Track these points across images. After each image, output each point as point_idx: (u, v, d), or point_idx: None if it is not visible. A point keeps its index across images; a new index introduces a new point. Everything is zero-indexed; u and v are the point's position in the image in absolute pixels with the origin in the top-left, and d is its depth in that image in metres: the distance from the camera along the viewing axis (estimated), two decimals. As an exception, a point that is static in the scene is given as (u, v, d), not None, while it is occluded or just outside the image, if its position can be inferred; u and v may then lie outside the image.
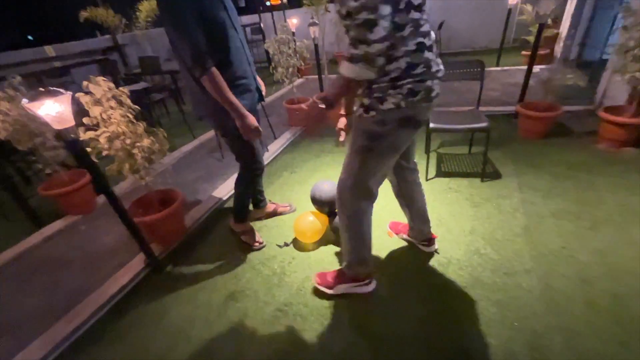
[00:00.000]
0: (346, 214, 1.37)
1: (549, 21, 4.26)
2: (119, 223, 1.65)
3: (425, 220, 1.68)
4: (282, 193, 2.52)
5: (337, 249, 1.87)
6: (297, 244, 1.95)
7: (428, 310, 1.47)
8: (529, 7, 4.35)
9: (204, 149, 3.54)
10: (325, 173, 2.71)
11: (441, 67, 1.13)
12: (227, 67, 1.42)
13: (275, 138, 3.44)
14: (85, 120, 1.57)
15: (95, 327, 1.59)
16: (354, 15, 0.90)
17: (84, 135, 1.56)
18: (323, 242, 1.93)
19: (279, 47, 3.27)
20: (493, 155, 2.60)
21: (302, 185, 2.58)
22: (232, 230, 2.09)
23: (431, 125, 2.27)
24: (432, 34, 1.08)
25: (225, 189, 2.62)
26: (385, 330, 1.40)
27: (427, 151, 2.47)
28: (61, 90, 1.24)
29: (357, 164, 1.25)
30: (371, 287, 1.56)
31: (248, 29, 7.47)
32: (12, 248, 2.20)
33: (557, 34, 4.86)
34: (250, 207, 2.08)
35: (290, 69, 3.35)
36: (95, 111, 1.55)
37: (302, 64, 3.61)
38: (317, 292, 1.61)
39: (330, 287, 1.57)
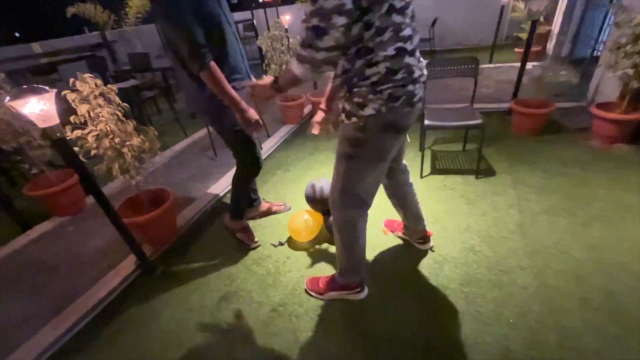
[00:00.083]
0: (338, 221, 1.35)
1: (541, 18, 4.28)
2: (109, 224, 1.61)
3: (419, 219, 1.67)
4: (276, 192, 2.49)
5: (333, 247, 1.85)
6: (291, 243, 1.93)
7: (423, 309, 1.46)
8: (521, 4, 4.36)
9: (196, 147, 3.48)
10: (320, 171, 2.69)
11: (424, 72, 1.10)
12: (222, 62, 1.40)
13: (268, 136, 3.41)
14: (72, 118, 1.52)
15: (85, 332, 1.55)
16: (307, 18, 0.89)
17: (71, 134, 1.51)
18: (318, 240, 1.90)
19: (272, 43, 3.23)
20: (487, 152, 2.61)
21: (296, 184, 2.55)
22: (227, 228, 2.06)
23: (426, 122, 2.26)
24: (415, 38, 1.04)
25: (218, 188, 2.58)
26: (381, 330, 1.39)
27: (422, 148, 2.46)
28: (45, 87, 1.20)
29: (342, 172, 1.23)
30: (362, 294, 1.54)
31: (240, 26, 7.38)
32: (-3, 251, 2.14)
33: (549, 31, 4.90)
34: (245, 207, 2.04)
35: (284, 66, 3.31)
36: (82, 109, 1.50)
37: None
38: (312, 292, 1.59)
39: (321, 293, 1.55)
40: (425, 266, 1.66)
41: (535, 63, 4.59)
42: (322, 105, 1.44)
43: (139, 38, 6.28)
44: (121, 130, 1.63)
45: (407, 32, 0.98)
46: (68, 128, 1.51)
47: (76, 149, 1.46)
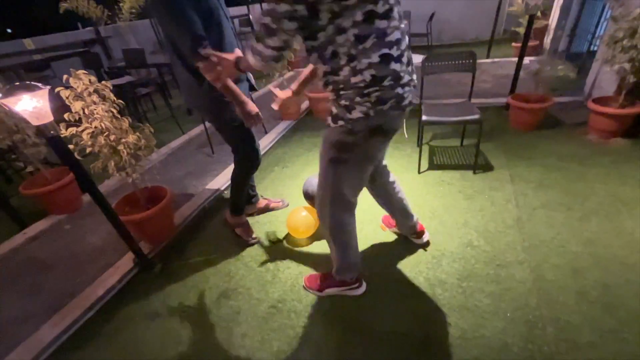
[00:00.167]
0: (329, 227, 1.34)
1: (539, 13, 4.27)
2: (105, 222, 1.60)
3: (407, 215, 1.66)
4: (274, 188, 2.48)
5: (331, 244, 1.85)
6: (290, 239, 1.93)
7: (421, 304, 1.46)
8: (519, -1, 4.34)
9: (193, 144, 3.46)
10: (318, 167, 2.67)
11: (413, 76, 1.07)
12: None
13: (265, 132, 3.39)
14: (66, 115, 1.51)
15: (83, 330, 1.55)
16: (262, 15, 0.91)
17: (66, 132, 1.49)
18: (316, 237, 1.90)
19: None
20: (485, 147, 2.61)
21: (294, 180, 2.54)
22: (226, 223, 2.06)
23: (423, 118, 2.25)
24: (404, 42, 0.99)
25: (216, 185, 2.57)
26: (379, 325, 1.40)
27: (419, 144, 2.46)
28: (38, 84, 1.18)
29: (331, 177, 1.21)
30: (361, 290, 1.54)
31: (236, 21, 7.31)
32: (-6, 250, 2.12)
33: (547, 25, 4.88)
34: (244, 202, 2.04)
35: (280, 62, 3.28)
36: (76, 106, 1.48)
37: (293, 56, 3.54)
38: (311, 288, 1.59)
39: (319, 290, 1.56)
40: (424, 261, 1.67)
41: (532, 58, 4.58)
42: (293, 86, 1.45)
43: (133, 34, 6.20)
44: (116, 128, 1.61)
45: (393, 36, 0.94)
46: (62, 125, 1.49)
47: (71, 146, 1.45)
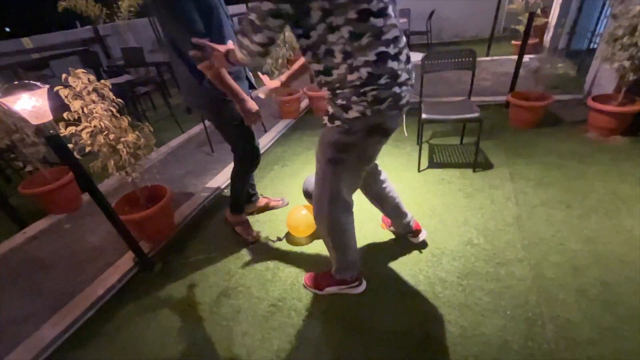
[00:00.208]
0: (327, 227, 1.34)
1: (538, 11, 4.26)
2: (105, 221, 1.60)
3: (400, 214, 1.64)
4: (274, 187, 2.48)
5: (331, 242, 1.85)
6: (290, 238, 1.93)
7: (421, 302, 1.46)
8: (518, -4, 4.33)
9: (192, 143, 3.45)
10: (317, 166, 2.68)
11: (412, 75, 1.05)
12: None
13: (265, 131, 3.39)
14: (65, 115, 1.50)
15: (83, 330, 1.55)
16: (249, 11, 0.92)
17: (65, 131, 1.49)
18: (316, 235, 1.90)
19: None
20: (484, 145, 2.61)
21: (294, 179, 2.54)
22: (227, 222, 2.06)
23: (423, 116, 2.25)
24: (401, 40, 0.99)
25: (215, 184, 2.56)
26: (379, 323, 1.40)
27: (419, 142, 2.45)
28: (37, 83, 1.17)
29: (329, 177, 1.20)
30: (361, 288, 1.54)
31: (235, 19, 7.28)
32: (-7, 249, 2.12)
33: (547, 23, 4.87)
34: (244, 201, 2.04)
35: (280, 60, 3.28)
36: (75, 105, 1.48)
37: (292, 54, 3.54)
38: (311, 287, 1.60)
39: (319, 289, 1.56)
40: (424, 259, 1.67)
41: (532, 55, 4.58)
42: (282, 77, 1.45)
43: (132, 32, 6.18)
44: (116, 127, 1.61)
45: (390, 34, 0.94)
46: (61, 125, 1.48)
47: (70, 145, 1.44)
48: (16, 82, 1.13)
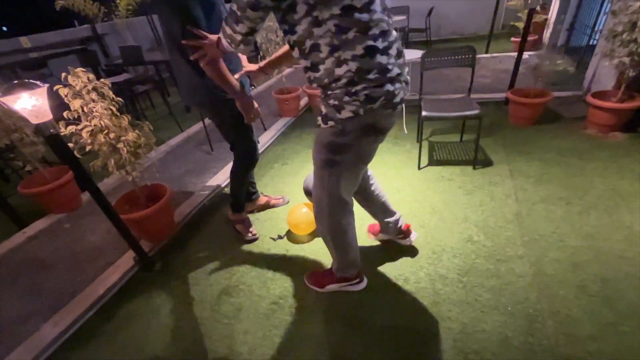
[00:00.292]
0: (328, 228, 1.33)
1: (538, 7, 4.25)
2: (105, 221, 1.60)
3: (388, 211, 1.59)
4: (274, 185, 2.48)
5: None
6: (291, 236, 1.93)
7: (422, 299, 1.47)
8: (518, -7, 4.32)
9: (192, 141, 3.45)
10: (317, 164, 2.67)
11: (404, 70, 1.03)
12: None
13: (265, 129, 3.38)
14: (65, 114, 1.50)
15: (84, 329, 1.55)
16: (232, 1, 0.95)
17: (65, 130, 1.49)
18: (317, 233, 1.90)
19: (267, 35, 3.19)
20: (484, 142, 2.61)
21: (294, 177, 2.54)
22: (228, 221, 2.06)
23: (424, 113, 2.25)
24: (390, 35, 0.97)
25: (215, 182, 2.56)
26: (380, 321, 1.41)
27: (419, 140, 2.45)
28: (37, 82, 1.17)
29: (326, 179, 1.19)
30: (362, 285, 1.55)
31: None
32: (-7, 249, 2.12)
33: (546, 19, 4.87)
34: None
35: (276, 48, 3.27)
36: (75, 104, 1.47)
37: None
38: (312, 285, 1.60)
39: (320, 287, 1.56)
40: (424, 256, 1.68)
41: (531, 52, 4.57)
42: (262, 63, 1.43)
43: (130, 31, 6.16)
44: (116, 126, 1.60)
45: (377, 29, 0.93)
46: (61, 124, 1.48)
47: (70, 145, 1.44)
48: (16, 81, 1.12)
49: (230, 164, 1.83)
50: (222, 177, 2.61)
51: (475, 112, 2.16)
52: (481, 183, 2.18)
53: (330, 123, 1.06)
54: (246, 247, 1.90)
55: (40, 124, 1.21)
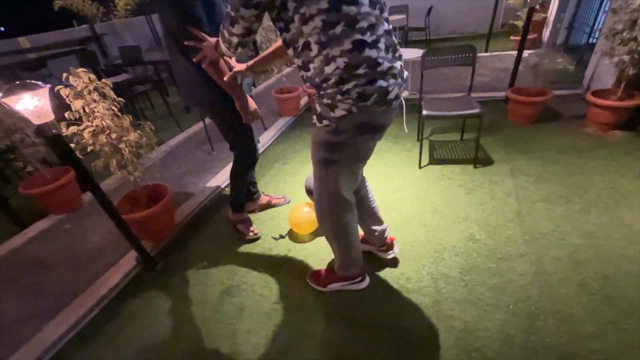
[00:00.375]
0: (330, 227, 1.33)
1: (537, 5, 4.25)
2: (106, 221, 1.60)
3: (377, 220, 1.55)
4: (275, 185, 2.48)
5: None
6: (292, 235, 1.93)
7: (424, 298, 1.47)
8: (517, -9, 4.32)
9: (192, 141, 3.45)
10: (318, 163, 2.67)
11: (396, 64, 1.00)
12: None
13: (265, 129, 3.38)
14: (67, 114, 1.50)
15: (87, 329, 1.55)
16: (229, 5, 0.96)
17: (67, 131, 1.49)
18: (319, 233, 1.91)
19: (267, 34, 3.18)
20: (484, 141, 2.61)
21: (294, 177, 2.54)
22: (229, 221, 2.06)
23: (424, 112, 2.25)
24: (379, 28, 0.95)
25: (216, 183, 2.57)
26: (383, 319, 1.41)
27: (420, 139, 2.46)
28: (39, 83, 1.17)
29: (325, 178, 1.19)
30: (364, 284, 1.55)
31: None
32: (-5, 250, 2.12)
33: (545, 18, 4.87)
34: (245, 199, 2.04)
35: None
36: (77, 105, 1.47)
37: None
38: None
39: (323, 286, 1.56)
40: (426, 255, 1.68)
41: (530, 51, 4.57)
42: (250, 62, 1.41)
43: (129, 31, 6.15)
44: (117, 126, 1.60)
45: (365, 22, 0.91)
46: (63, 124, 1.48)
47: (72, 145, 1.44)
48: (18, 82, 1.12)
49: (231, 164, 1.83)
50: (222, 177, 2.61)
51: (476, 111, 2.16)
52: (482, 182, 2.18)
53: (325, 122, 1.05)
54: (248, 247, 1.90)
55: (42, 124, 1.21)
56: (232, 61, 1.44)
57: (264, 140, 3.14)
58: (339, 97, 0.97)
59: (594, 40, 3.46)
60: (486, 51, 5.13)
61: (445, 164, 2.44)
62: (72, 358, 1.43)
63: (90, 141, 1.55)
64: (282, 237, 1.94)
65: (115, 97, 1.61)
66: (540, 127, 2.76)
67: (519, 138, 2.64)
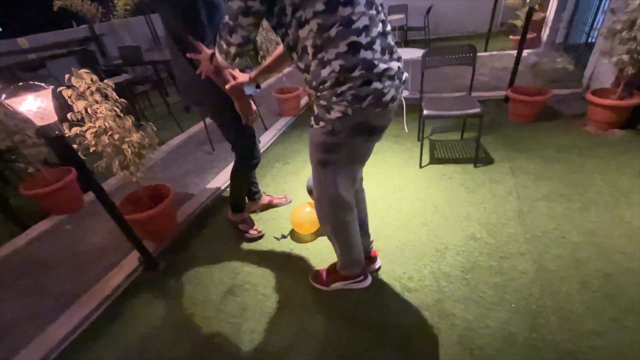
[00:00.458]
0: (331, 228, 1.34)
1: (536, 5, 4.27)
2: (106, 222, 1.60)
3: (364, 232, 1.53)
4: (276, 185, 2.49)
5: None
6: (294, 235, 1.94)
7: (426, 297, 1.48)
8: (516, -9, 4.33)
9: (192, 142, 3.45)
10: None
11: (393, 65, 0.99)
12: None
13: (265, 129, 3.38)
14: (69, 115, 1.50)
15: (90, 330, 1.55)
16: (225, 15, 0.95)
17: (69, 132, 1.49)
18: (321, 232, 1.91)
19: (267, 34, 3.18)
20: (485, 140, 2.62)
21: (296, 176, 2.55)
22: (229, 221, 2.06)
23: (425, 112, 2.26)
24: (374, 29, 0.94)
25: (216, 183, 2.57)
26: (385, 319, 1.42)
27: (421, 138, 2.47)
28: (42, 84, 1.17)
29: (323, 179, 1.20)
30: (366, 282, 1.55)
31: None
32: (-4, 251, 2.12)
33: (544, 17, 4.88)
34: (245, 199, 2.04)
35: (270, 49, 3.26)
36: (79, 106, 1.47)
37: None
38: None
39: (325, 285, 1.57)
40: (428, 254, 1.69)
41: (529, 50, 4.60)
42: (252, 74, 1.41)
43: (128, 31, 6.14)
44: (119, 127, 1.60)
45: (360, 23, 0.90)
46: (65, 125, 1.48)
47: (75, 146, 1.44)
48: (21, 84, 1.12)
49: (232, 164, 1.84)
50: (223, 178, 2.62)
51: (477, 110, 2.17)
52: (482, 181, 2.19)
53: (321, 123, 1.06)
54: (250, 247, 1.91)
55: (46, 125, 1.21)
56: (236, 72, 1.44)
57: (264, 141, 3.14)
58: (334, 99, 0.98)
59: (593, 40, 3.47)
60: (485, 50, 5.14)
61: (445, 163, 2.45)
62: (75, 359, 1.44)
63: (93, 142, 1.55)
64: (284, 237, 1.94)
65: (117, 97, 1.61)
66: (540, 126, 2.77)
67: (519, 137, 2.65)
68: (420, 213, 1.98)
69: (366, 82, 0.95)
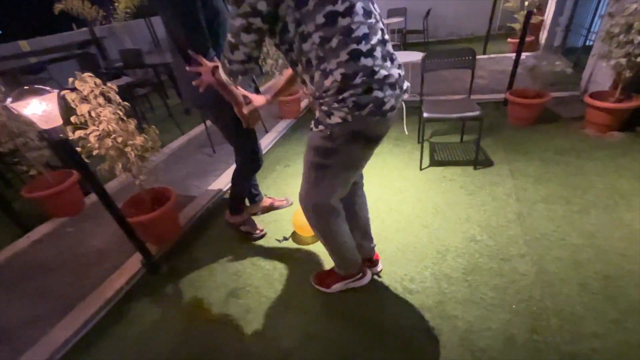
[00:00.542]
0: (318, 233, 1.35)
1: (534, 9, 4.31)
2: (108, 224, 1.61)
3: (367, 237, 1.56)
4: (277, 187, 2.50)
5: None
6: (296, 237, 1.95)
7: (427, 298, 1.49)
8: (514, -5, 4.38)
9: (193, 144, 3.46)
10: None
11: (393, 72, 1.00)
12: (218, 56, 1.40)
13: (266, 131, 3.40)
14: (73, 119, 1.51)
15: (92, 331, 1.56)
16: (228, 33, 0.97)
17: (73, 135, 1.50)
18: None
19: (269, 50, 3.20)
20: (484, 143, 2.64)
21: (297, 179, 2.54)
22: (229, 224, 2.05)
23: (425, 114, 2.27)
24: (374, 37, 0.95)
25: (218, 185, 2.58)
26: (387, 320, 1.42)
27: (421, 141, 2.48)
28: (47, 88, 1.18)
29: (312, 182, 1.21)
30: (366, 279, 1.56)
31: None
32: (-2, 254, 2.12)
33: (542, 21, 4.92)
34: (246, 202, 2.05)
35: (280, 60, 3.29)
36: (83, 109, 1.48)
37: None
38: (319, 285, 1.62)
39: (327, 287, 1.58)
40: (429, 256, 1.70)
41: (528, 53, 4.62)
42: (269, 95, 1.44)
43: (128, 34, 6.17)
44: (123, 130, 1.61)
45: (359, 32, 0.92)
46: (68, 128, 1.49)
47: (78, 149, 1.45)
48: (27, 87, 1.14)
49: (233, 166, 1.84)
50: (225, 180, 2.63)
51: (477, 113, 2.19)
52: (482, 183, 2.20)
53: (321, 127, 1.07)
54: (252, 249, 1.91)
55: (50, 129, 1.22)
56: (253, 96, 1.46)
57: (265, 143, 3.15)
58: (335, 104, 0.99)
59: (591, 43, 3.50)
60: (484, 53, 5.17)
61: (446, 165, 2.46)
62: (78, 361, 1.44)
63: (96, 145, 1.56)
64: (285, 239, 1.95)
65: (120, 101, 1.63)
66: (539, 129, 2.79)
67: (518, 139, 2.67)
68: (420, 215, 1.99)
69: (367, 89, 0.96)
